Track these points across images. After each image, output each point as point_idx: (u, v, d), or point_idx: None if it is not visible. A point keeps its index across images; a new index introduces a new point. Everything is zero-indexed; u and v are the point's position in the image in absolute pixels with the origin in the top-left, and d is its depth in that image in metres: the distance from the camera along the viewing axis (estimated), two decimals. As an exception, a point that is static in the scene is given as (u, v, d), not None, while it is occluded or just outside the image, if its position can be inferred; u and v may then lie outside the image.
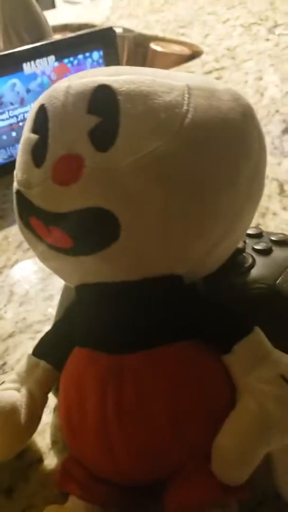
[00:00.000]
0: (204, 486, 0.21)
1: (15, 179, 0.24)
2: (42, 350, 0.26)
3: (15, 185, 0.24)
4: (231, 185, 0.22)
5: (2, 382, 0.26)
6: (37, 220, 0.23)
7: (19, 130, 0.52)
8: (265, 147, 0.24)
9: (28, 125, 0.24)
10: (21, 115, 0.51)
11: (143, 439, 0.22)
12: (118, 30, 0.95)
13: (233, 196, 0.22)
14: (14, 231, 0.45)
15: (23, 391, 0.25)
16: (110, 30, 0.54)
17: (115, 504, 0.23)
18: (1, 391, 0.25)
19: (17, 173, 0.24)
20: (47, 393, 0.26)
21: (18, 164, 0.24)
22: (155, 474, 0.22)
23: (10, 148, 0.52)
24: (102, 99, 0.21)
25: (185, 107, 0.21)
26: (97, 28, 0.54)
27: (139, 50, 0.94)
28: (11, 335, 0.34)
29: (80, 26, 1.05)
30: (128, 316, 0.23)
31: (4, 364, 0.32)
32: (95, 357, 0.23)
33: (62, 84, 0.23)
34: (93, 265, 0.22)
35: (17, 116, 0.51)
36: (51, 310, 0.36)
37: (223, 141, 0.22)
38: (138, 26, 0.99)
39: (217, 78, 0.74)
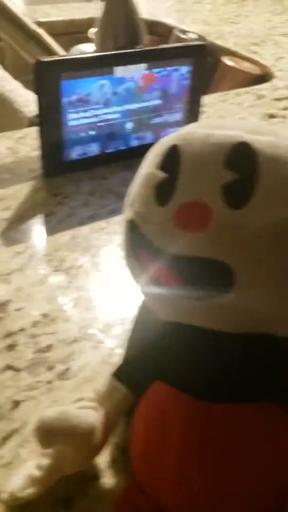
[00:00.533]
0: None
1: (129, 208, 0.25)
2: (125, 374, 0.27)
3: (129, 214, 0.25)
4: None
5: (81, 399, 0.27)
6: (147, 254, 0.23)
7: (98, 129, 0.52)
8: None
9: (154, 161, 0.25)
10: (103, 115, 0.52)
11: (220, 488, 0.22)
12: (193, 36, 0.95)
13: None
14: (84, 232, 0.45)
15: (101, 412, 0.26)
16: (203, 47, 0.54)
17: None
18: (79, 408, 0.26)
19: (134, 203, 0.25)
20: (121, 416, 0.27)
21: (136, 196, 0.25)
22: None
23: (85, 146, 0.52)
24: (242, 157, 0.22)
25: None
26: (190, 43, 0.54)
27: (209, 60, 0.94)
28: (75, 340, 0.35)
29: (152, 23, 1.05)
30: (221, 368, 0.23)
31: (67, 369, 0.33)
32: (181, 397, 0.24)
33: (198, 131, 0.23)
34: (200, 310, 0.23)
35: (98, 116, 0.51)
36: (112, 321, 0.36)
37: None
38: (211, 35, 0.99)
39: (287, 108, 0.74)
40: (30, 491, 0.24)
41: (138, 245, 0.24)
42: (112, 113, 0.52)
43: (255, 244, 0.21)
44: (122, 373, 0.27)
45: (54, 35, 0.75)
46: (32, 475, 0.25)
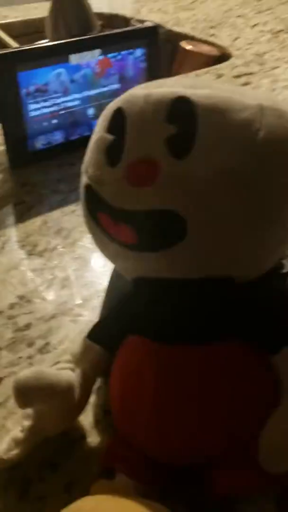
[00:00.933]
0: (252, 473, 0.23)
1: (84, 174, 0.26)
2: (98, 335, 0.28)
3: (84, 179, 0.26)
4: None
5: (57, 362, 0.28)
6: (105, 215, 0.24)
7: (60, 118, 0.53)
8: None
9: (102, 125, 0.26)
10: (63, 104, 0.53)
11: (196, 425, 0.23)
12: (149, 25, 0.96)
13: None
14: (55, 217, 0.46)
15: (78, 371, 0.27)
16: (154, 29, 0.55)
17: (158, 483, 0.25)
18: (57, 370, 0.27)
19: (88, 168, 0.26)
20: (99, 375, 0.28)
21: (89, 160, 0.26)
22: (200, 458, 0.24)
23: (49, 135, 0.53)
24: (181, 110, 0.23)
25: (257, 125, 0.23)
26: (142, 26, 0.55)
27: (168, 46, 0.95)
28: (53, 317, 0.36)
29: (111, 17, 1.06)
30: (186, 312, 0.25)
31: (47, 344, 0.34)
32: (151, 346, 0.25)
33: (140, 91, 0.25)
34: (156, 262, 0.24)
35: (59, 105, 0.52)
36: (89, 294, 0.37)
37: None
38: (169, 23, 1.00)
39: (246, 83, 0.75)
40: (14, 452, 0.25)
41: (96, 208, 0.25)
42: (72, 101, 0.53)
43: (201, 191, 0.22)
44: (95, 333, 0.28)
45: (14, 37, 0.76)
46: (15, 437, 0.26)
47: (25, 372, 0.25)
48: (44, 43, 0.50)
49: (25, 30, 1.00)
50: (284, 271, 0.33)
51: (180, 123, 0.23)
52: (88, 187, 0.25)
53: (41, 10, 1.13)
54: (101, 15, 1.02)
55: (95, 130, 0.27)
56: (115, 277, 0.31)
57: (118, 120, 0.24)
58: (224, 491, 0.23)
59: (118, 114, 0.25)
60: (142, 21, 0.97)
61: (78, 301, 0.37)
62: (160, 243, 0.23)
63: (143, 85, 0.26)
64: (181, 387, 0.24)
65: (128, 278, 0.27)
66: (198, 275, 0.24)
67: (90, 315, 0.36)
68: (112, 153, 0.24)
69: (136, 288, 0.26)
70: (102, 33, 0.52)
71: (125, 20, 1.03)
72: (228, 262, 0.24)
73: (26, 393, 0.25)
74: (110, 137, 0.25)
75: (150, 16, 1.04)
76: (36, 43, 0.87)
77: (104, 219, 0.25)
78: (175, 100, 0.23)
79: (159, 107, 0.23)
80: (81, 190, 0.26)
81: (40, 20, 1.06)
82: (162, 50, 0.95)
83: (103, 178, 0.24)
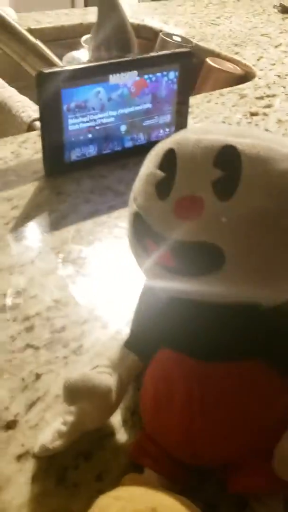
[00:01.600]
0: (266, 478, 0.26)
1: (133, 202, 0.29)
2: (134, 344, 0.31)
3: (134, 207, 0.29)
4: None
5: (96, 366, 0.31)
6: (151, 241, 0.28)
7: (95, 132, 0.56)
8: None
9: (153, 161, 0.29)
10: (99, 120, 0.56)
11: (218, 432, 0.27)
12: (177, 39, 1.00)
13: None
14: (88, 227, 0.50)
15: (115, 376, 0.30)
16: (189, 53, 0.59)
17: (180, 481, 0.29)
18: (98, 373, 0.30)
19: (137, 198, 0.29)
20: (132, 380, 0.31)
21: (139, 191, 0.29)
22: (219, 461, 0.28)
23: (84, 148, 0.57)
24: (228, 157, 0.26)
25: None
26: (177, 51, 0.59)
27: (194, 62, 0.98)
28: (85, 321, 0.39)
29: (139, 27, 1.09)
30: (215, 332, 0.28)
31: (81, 346, 0.38)
32: (183, 360, 0.28)
33: (191, 136, 0.28)
34: (195, 286, 0.27)
35: (95, 120, 0.56)
36: (117, 303, 0.41)
37: None
38: (195, 37, 1.03)
39: (268, 106, 0.78)
40: (58, 443, 0.29)
41: (143, 234, 0.28)
42: (107, 117, 0.56)
43: (240, 228, 0.26)
44: (131, 343, 0.32)
45: (45, 42, 0.79)
46: (59, 429, 0.29)
47: (74, 375, 0.28)
48: (84, 63, 0.53)
49: (57, 36, 1.04)
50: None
51: (226, 168, 0.26)
52: (136, 215, 0.29)
53: (71, 17, 1.16)
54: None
55: (145, 165, 0.30)
56: (147, 292, 0.35)
57: (170, 159, 0.28)
58: (239, 489, 0.27)
59: (170, 154, 0.28)
60: (170, 35, 1.00)
61: (107, 308, 0.41)
62: (198, 270, 0.27)
63: (191, 130, 0.30)
64: (209, 398, 0.27)
65: (163, 295, 0.30)
66: (229, 301, 0.28)
67: (118, 323, 0.39)
68: (162, 187, 0.27)
69: (170, 306, 0.30)
70: (140, 56, 0.56)
71: (152, 32, 1.07)
72: (258, 292, 0.27)
73: (74, 393, 0.28)
74: (161, 173, 0.28)
75: (177, 30, 1.07)
76: (72, 54, 0.91)
77: (151, 244, 0.28)
78: (223, 148, 0.27)
79: (208, 152, 0.27)
80: (129, 217, 0.30)
81: (71, 27, 1.10)
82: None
83: (152, 208, 0.28)
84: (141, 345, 0.31)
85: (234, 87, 0.84)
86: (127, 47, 0.62)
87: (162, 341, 0.30)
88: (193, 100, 0.77)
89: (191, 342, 0.28)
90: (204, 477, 0.30)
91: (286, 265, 0.26)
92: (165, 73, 0.58)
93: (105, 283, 0.43)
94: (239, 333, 0.28)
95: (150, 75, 0.57)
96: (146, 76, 0.57)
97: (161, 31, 1.04)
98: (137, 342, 0.32)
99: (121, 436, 0.32)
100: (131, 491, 0.26)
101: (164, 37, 0.98)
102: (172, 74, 0.59)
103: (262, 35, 1.10)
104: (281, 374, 0.28)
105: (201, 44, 1.01)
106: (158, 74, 0.58)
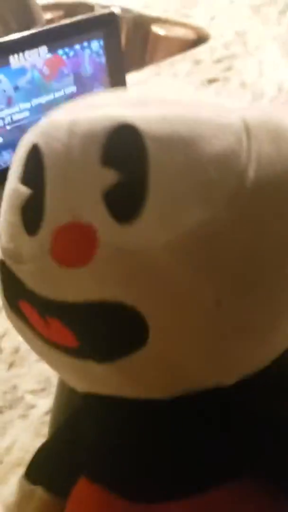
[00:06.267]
0: None
1: None
2: (39, 472, 0.20)
3: None
4: None
5: None
6: (29, 307, 0.16)
7: (7, 135, 0.46)
8: None
9: (15, 171, 0.18)
10: (9, 117, 0.45)
11: None
12: (115, 10, 0.87)
13: None
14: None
15: None
16: (112, 15, 0.47)
17: None
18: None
19: (2, 236, 0.17)
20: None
21: (3, 225, 0.18)
22: None
23: (-5, 156, 0.45)
24: (124, 146, 0.16)
25: (244, 159, 0.15)
26: (96, 13, 0.47)
27: (139, 33, 0.86)
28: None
29: (74, 5, 0.97)
30: (157, 450, 0.18)
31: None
32: (110, 502, 0.16)
33: (62, 118, 0.17)
34: (106, 376, 0.17)
35: (3, 119, 0.45)
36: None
37: None
38: (137, 5, 0.91)
39: (229, 68, 0.67)
40: None
41: (16, 294, 0.17)
42: (19, 112, 0.46)
43: (162, 272, 0.14)
44: (34, 471, 0.20)
45: None
46: None
47: None
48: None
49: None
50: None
51: (123, 166, 0.15)
52: (3, 265, 0.17)
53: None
54: (61, 5, 0.93)
55: (9, 177, 0.18)
56: (62, 383, 0.23)
57: (34, 164, 0.17)
58: None
59: (34, 154, 0.17)
60: (107, 7, 0.88)
61: (32, 386, 0.29)
62: (111, 350, 0.16)
63: (68, 106, 0.18)
64: None
65: (77, 390, 0.19)
66: (170, 394, 0.16)
67: (44, 406, 0.27)
68: (29, 214, 0.17)
69: (88, 410, 0.18)
70: (47, 27, 0.44)
71: (89, 8, 0.94)
72: (214, 372, 0.16)
73: None
74: (25, 190, 0.16)
75: (116, 1, 0.95)
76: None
77: (30, 312, 0.17)
78: (114, 130, 0.15)
79: (90, 142, 0.16)
80: None
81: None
82: (132, 38, 0.87)
83: (21, 252, 0.17)
84: (49, 473, 0.20)
85: (187, 53, 0.73)
86: (29, 19, 0.50)
87: (78, 467, 0.18)
88: (137, 76, 0.67)
89: (122, 471, 0.18)
90: None
91: (259, 325, 0.15)
92: (85, 44, 0.46)
93: (25, 347, 0.31)
94: (199, 445, 0.17)
95: (66, 49, 0.45)
96: (60, 51, 0.45)
97: (96, 5, 0.91)
98: (43, 469, 0.20)
99: None
100: None
101: (100, 11, 0.85)
102: (95, 45, 0.47)
103: (214, -8, 0.98)
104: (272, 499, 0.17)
105: (145, 12, 0.88)
106: (77, 46, 0.46)
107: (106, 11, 0.47)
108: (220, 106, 0.17)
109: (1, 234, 0.18)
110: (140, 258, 0.15)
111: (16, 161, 0.18)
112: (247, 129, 0.16)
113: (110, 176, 0.15)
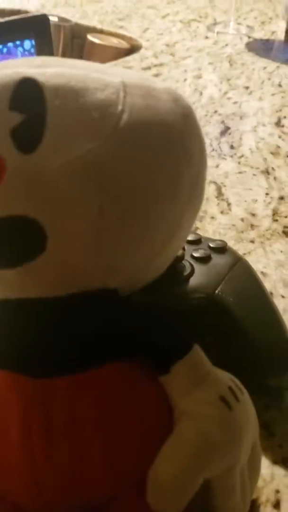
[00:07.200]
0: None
1: None
2: None
3: None
4: (171, 193, 0.20)
5: None
6: None
7: None
8: (206, 152, 0.22)
9: None
10: None
11: (71, 468, 0.20)
12: (54, 19, 0.92)
13: (173, 204, 0.21)
14: None
15: None
16: (43, 17, 0.51)
17: None
18: None
19: None
20: None
21: None
22: (84, 506, 0.21)
23: None
24: (27, 94, 0.19)
25: (120, 106, 0.19)
26: (29, 15, 0.51)
27: (76, 41, 0.91)
28: None
29: (13, 12, 1.00)
30: (53, 336, 0.21)
31: None
32: (18, 380, 0.21)
33: None
34: (16, 280, 0.20)
35: None
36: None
37: (161, 144, 0.20)
38: (75, 16, 0.96)
39: (156, 75, 0.72)
40: None
41: None
42: None
43: (57, 189, 0.19)
44: None
45: None
46: None
47: None
48: None
49: None
50: (185, 273, 0.29)
51: (26, 110, 0.19)
52: None
53: None
54: (1, 12, 0.97)
55: None
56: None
57: None
58: None
59: None
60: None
61: None
62: (18, 257, 0.19)
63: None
64: (55, 425, 0.20)
65: None
66: (66, 292, 0.20)
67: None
68: None
69: (1, 313, 0.22)
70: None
71: (29, 16, 0.98)
72: (99, 273, 0.20)
73: None
74: None
75: (55, 11, 0.99)
76: None
77: None
78: (19, 83, 0.19)
79: (0, 92, 0.19)
80: None
81: None
82: (69, 45, 0.91)
83: None
84: None
85: (118, 61, 0.78)
86: None
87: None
88: None
89: (24, 355, 0.21)
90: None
91: (129, 232, 0.20)
92: (18, 42, 0.50)
93: None
94: (88, 332, 0.21)
95: (0, 47, 0.49)
96: None
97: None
98: None
99: None
100: None
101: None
102: (28, 44, 0.51)
103: (148, 7, 1.04)
104: (153, 375, 0.21)
105: (82, 22, 0.93)
106: (10, 44, 0.49)
107: (38, 13, 0.51)
108: (106, 70, 0.21)
109: None
110: (39, 179, 0.18)
111: None
112: (124, 87, 0.20)
113: (15, 118, 0.18)
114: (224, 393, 0.20)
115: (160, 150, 0.20)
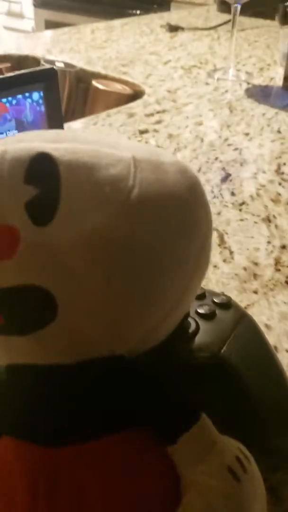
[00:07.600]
0: None
1: None
2: None
3: None
4: (179, 262, 0.21)
5: None
6: None
7: None
8: (211, 219, 0.23)
9: None
10: None
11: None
12: (60, 65, 0.95)
13: (181, 272, 0.21)
14: None
15: None
16: (51, 70, 0.53)
17: None
18: None
19: None
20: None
21: None
22: None
23: None
24: (41, 169, 0.20)
25: (131, 181, 0.20)
26: (38, 68, 0.53)
27: (81, 86, 0.93)
28: None
29: (21, 58, 1.03)
30: (61, 404, 0.21)
31: None
32: (25, 448, 0.21)
33: None
34: (25, 346, 0.21)
35: None
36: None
37: (169, 216, 0.21)
38: (80, 62, 0.99)
39: (159, 121, 0.74)
40: None
41: None
42: None
43: (69, 261, 0.19)
44: None
45: None
46: None
47: None
48: None
49: None
50: (191, 330, 0.30)
51: (41, 184, 0.20)
52: None
53: None
54: (9, 57, 1.00)
55: None
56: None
57: None
58: None
59: None
60: (52, 62, 0.95)
61: None
62: (29, 324, 0.20)
63: (2, 140, 0.23)
64: (61, 493, 0.20)
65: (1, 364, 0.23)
66: (74, 359, 0.21)
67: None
68: None
69: (9, 378, 0.23)
70: (-8, 78, 0.49)
71: (35, 61, 1.01)
72: (107, 341, 0.21)
73: None
74: None
75: (61, 56, 1.02)
76: None
77: None
78: (34, 158, 0.20)
79: (16, 166, 0.20)
80: None
81: None
82: (74, 90, 0.94)
83: None
84: None
85: (123, 107, 0.79)
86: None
87: (1, 427, 0.22)
88: (76, 124, 0.72)
89: (34, 423, 0.21)
90: None
91: (136, 302, 0.20)
92: (27, 94, 0.52)
93: None
94: (95, 401, 0.21)
95: (10, 98, 0.50)
96: (4, 100, 0.50)
97: (42, 59, 0.98)
98: None
99: None
100: None
101: (45, 65, 0.92)
102: (36, 95, 0.52)
103: (151, 53, 1.07)
104: (161, 445, 0.21)
105: (87, 67, 0.96)
106: (19, 96, 0.51)
107: (47, 66, 0.53)
108: (117, 144, 0.22)
109: None
110: (51, 252, 0.19)
111: None
112: (135, 161, 0.21)
113: (30, 191, 0.19)
114: (232, 464, 0.20)
115: (168, 222, 0.21)
